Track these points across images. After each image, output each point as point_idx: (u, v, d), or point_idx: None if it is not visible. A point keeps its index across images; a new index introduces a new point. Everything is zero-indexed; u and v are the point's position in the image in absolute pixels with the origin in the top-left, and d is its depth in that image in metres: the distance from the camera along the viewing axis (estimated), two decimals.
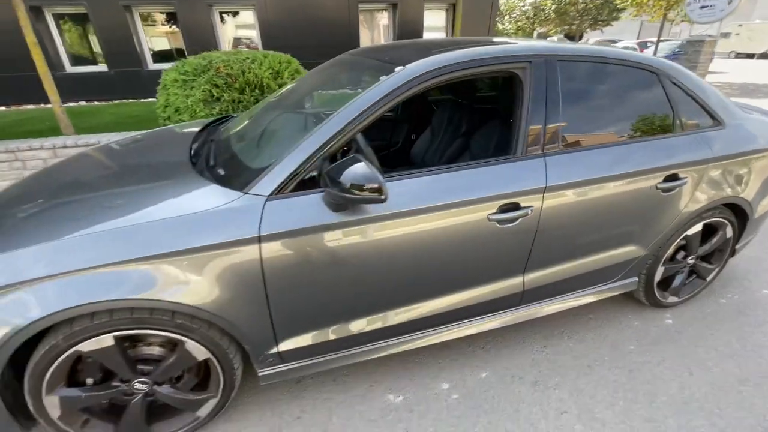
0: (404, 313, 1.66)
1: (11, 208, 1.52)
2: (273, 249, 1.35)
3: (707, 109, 2.02)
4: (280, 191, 1.37)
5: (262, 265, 1.35)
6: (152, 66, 9.51)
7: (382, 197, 1.28)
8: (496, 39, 1.92)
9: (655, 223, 1.96)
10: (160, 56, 9.68)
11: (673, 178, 1.89)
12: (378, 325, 1.63)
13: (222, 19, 9.74)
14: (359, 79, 1.83)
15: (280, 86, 4.16)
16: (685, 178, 1.91)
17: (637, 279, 2.15)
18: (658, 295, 2.24)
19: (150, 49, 9.60)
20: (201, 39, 9.19)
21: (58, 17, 8.88)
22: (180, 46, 9.54)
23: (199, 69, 3.93)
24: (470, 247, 1.61)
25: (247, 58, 4.13)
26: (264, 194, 1.36)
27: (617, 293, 2.14)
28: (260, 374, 1.56)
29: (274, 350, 1.52)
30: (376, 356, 1.71)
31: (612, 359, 1.98)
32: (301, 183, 1.39)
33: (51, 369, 1.28)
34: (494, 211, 1.58)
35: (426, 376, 1.88)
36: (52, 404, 1.34)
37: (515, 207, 1.61)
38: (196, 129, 2.27)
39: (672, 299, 2.30)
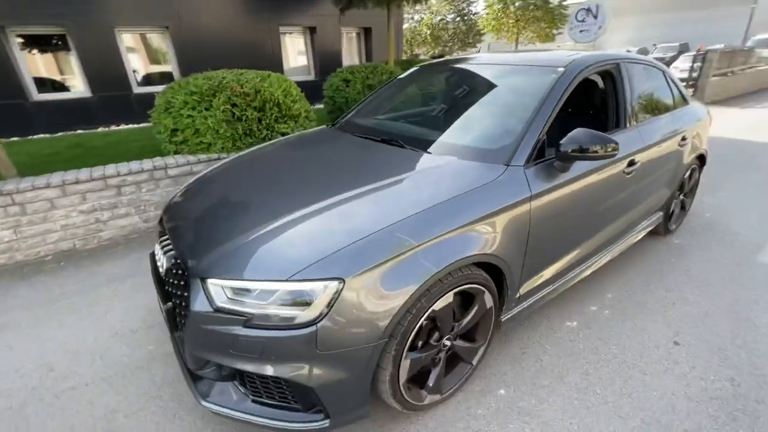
0: (590, 243, 2.20)
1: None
2: (536, 205, 1.74)
3: (683, 94, 3.06)
4: (527, 162, 1.76)
5: (530, 218, 1.73)
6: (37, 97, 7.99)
7: (618, 150, 1.80)
8: (562, 56, 2.55)
9: (678, 170, 2.88)
10: (47, 85, 8.19)
11: (684, 138, 2.82)
12: (576, 256, 2.13)
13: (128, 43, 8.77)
14: (513, 77, 2.30)
15: (294, 101, 4.24)
16: (687, 138, 2.87)
17: (662, 213, 3.05)
18: (671, 225, 3.20)
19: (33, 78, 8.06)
20: (106, 66, 8.14)
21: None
22: (69, 76, 8.23)
23: (210, 90, 3.79)
24: (614, 191, 2.23)
25: (255, 77, 4.12)
26: (521, 165, 1.74)
27: (653, 227, 2.99)
28: (502, 320, 1.88)
29: (517, 294, 1.87)
30: (569, 286, 2.18)
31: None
32: (536, 155, 1.81)
33: (412, 331, 1.43)
34: (625, 165, 2.23)
35: (584, 304, 2.40)
36: (404, 368, 1.47)
37: (633, 162, 2.29)
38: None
39: (673, 226, 3.29)
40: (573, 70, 2.06)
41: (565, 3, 18.22)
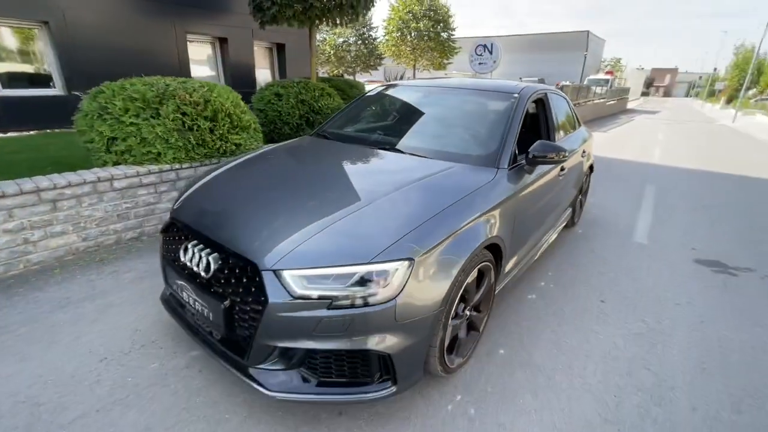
0: (542, 229, 2.83)
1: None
2: (517, 197, 2.23)
3: (577, 117, 4.02)
4: (509, 165, 2.26)
5: (517, 206, 2.21)
6: None
7: (567, 156, 2.40)
8: (514, 86, 3.23)
9: (581, 176, 3.77)
10: None
11: (584, 151, 3.74)
12: (534, 240, 2.71)
13: None
14: (475, 100, 2.81)
15: (243, 113, 4.20)
16: (585, 151, 3.80)
17: (571, 209, 3.92)
18: (575, 219, 4.12)
19: None
20: None
21: None
22: None
23: (156, 97, 3.56)
24: (553, 188, 2.89)
25: (201, 86, 3.98)
26: (506, 168, 2.22)
27: (567, 220, 3.83)
28: (496, 293, 2.31)
29: (505, 270, 2.33)
30: (526, 268, 2.73)
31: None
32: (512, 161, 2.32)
33: (455, 301, 1.74)
34: (559, 170, 2.92)
35: (535, 282, 3.00)
36: (447, 334, 1.77)
37: (563, 168, 3.00)
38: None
39: (577, 219, 4.24)
40: (524, 97, 2.66)
41: (453, 37, 20.77)
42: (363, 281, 1.48)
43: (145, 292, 2.66)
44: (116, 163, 3.42)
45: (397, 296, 1.50)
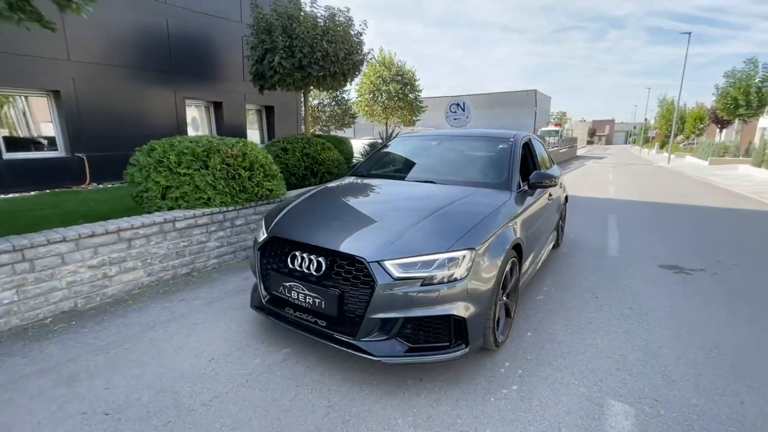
0: (539, 244, 3.49)
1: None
2: (526, 211, 2.95)
3: (551, 157, 4.97)
4: (517, 189, 3.00)
5: (526, 218, 2.92)
6: None
7: (556, 182, 3.18)
8: (507, 132, 4.12)
9: (560, 204, 4.62)
10: None
11: (561, 184, 4.62)
12: (536, 251, 3.38)
13: None
14: (482, 143, 3.62)
15: (271, 164, 4.83)
16: (561, 184, 4.69)
17: (556, 232, 4.70)
18: (559, 240, 4.91)
19: None
20: None
21: None
22: None
23: (204, 151, 4.15)
24: (545, 209, 3.65)
25: (237, 142, 4.61)
26: (515, 191, 2.96)
27: (554, 241, 4.60)
28: (520, 287, 2.93)
29: (523, 270, 2.97)
30: (531, 276, 3.39)
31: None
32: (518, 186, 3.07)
33: (501, 283, 2.35)
34: (548, 196, 3.72)
35: (540, 287, 3.65)
36: (497, 310, 2.35)
37: (551, 195, 3.80)
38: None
39: (560, 241, 5.03)
40: (517, 140, 3.50)
41: (420, 97, 22.96)
42: (442, 265, 2.08)
43: (219, 312, 3.06)
44: (170, 209, 3.89)
45: (466, 276, 2.10)
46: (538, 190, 3.33)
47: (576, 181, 13.12)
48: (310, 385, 2.19)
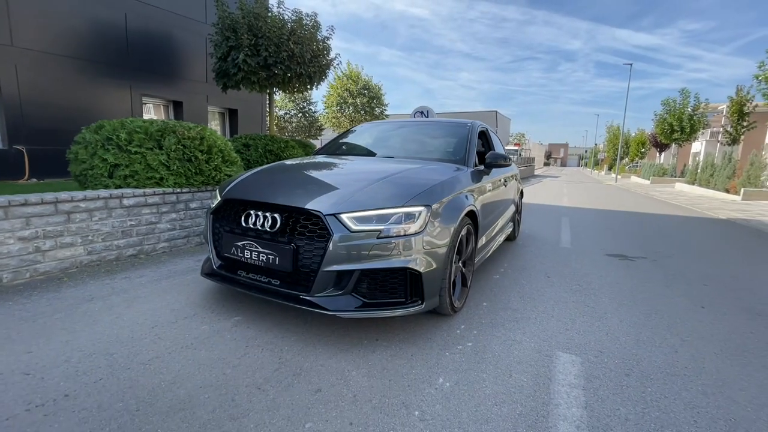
0: (494, 227, 3.59)
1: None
2: (482, 186, 3.05)
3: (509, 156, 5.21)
4: (473, 166, 3.11)
5: (481, 192, 3.01)
6: None
7: (510, 162, 3.32)
8: (465, 120, 4.30)
9: (516, 196, 4.81)
10: None
11: (518, 178, 4.83)
12: (490, 233, 3.48)
13: None
14: (442, 127, 3.73)
15: (231, 150, 4.70)
16: (517, 178, 4.91)
17: (513, 224, 4.89)
18: (516, 233, 5.10)
19: None
20: None
21: None
22: None
23: (158, 131, 3.98)
24: (500, 193, 3.79)
25: (195, 126, 4.47)
26: (471, 167, 3.07)
27: (510, 231, 4.77)
28: (475, 263, 2.99)
29: (479, 245, 3.05)
30: (486, 257, 3.48)
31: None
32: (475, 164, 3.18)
33: (456, 246, 2.40)
34: (503, 181, 3.87)
35: (497, 268, 3.74)
36: (452, 272, 2.39)
37: (506, 180, 3.96)
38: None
39: (516, 234, 5.23)
40: (475, 126, 3.65)
41: (386, 112, 23.42)
42: (399, 220, 2.09)
43: (167, 287, 2.88)
44: (118, 187, 3.67)
45: (422, 231, 2.12)
46: (494, 171, 3.47)
47: (534, 193, 13.77)
48: (261, 346, 2.10)
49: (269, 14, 8.10)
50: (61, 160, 5.44)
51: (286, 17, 8.29)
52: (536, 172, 38.73)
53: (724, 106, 22.36)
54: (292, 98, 25.54)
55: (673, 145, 27.95)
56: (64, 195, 3.01)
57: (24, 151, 7.94)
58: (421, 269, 2.11)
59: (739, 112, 19.00)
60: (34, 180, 8.03)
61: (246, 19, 7.80)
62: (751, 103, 18.90)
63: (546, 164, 79.13)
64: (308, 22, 8.51)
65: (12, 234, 2.76)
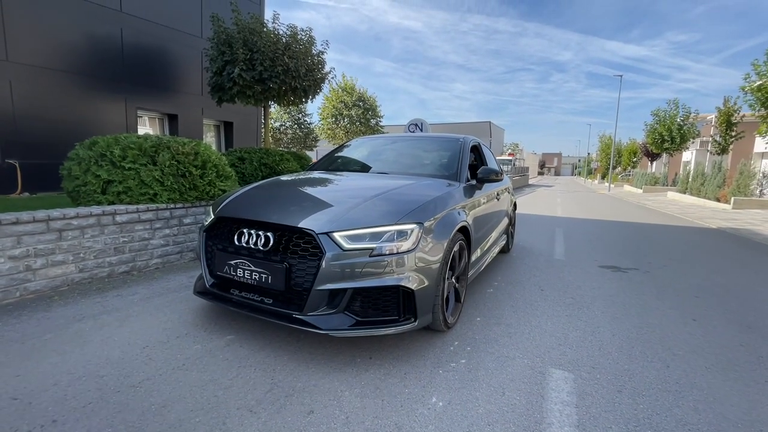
0: (488, 240, 3.61)
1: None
2: (474, 201, 3.08)
3: (501, 168, 5.27)
4: (465, 182, 3.14)
5: (474, 207, 3.04)
6: None
7: (502, 176, 3.36)
8: (457, 135, 4.37)
9: (509, 209, 4.85)
10: None
11: (511, 191, 4.88)
12: (483, 247, 3.50)
13: None
14: (434, 143, 3.77)
15: (226, 165, 4.71)
16: (510, 191, 4.95)
17: (506, 236, 4.92)
18: (510, 245, 5.13)
19: None
20: None
21: None
22: None
23: (153, 147, 4.00)
24: (493, 206, 3.83)
25: (189, 141, 4.49)
26: (464, 183, 3.10)
27: (504, 243, 4.80)
28: (469, 277, 3.01)
29: (471, 259, 3.06)
30: (480, 271, 3.50)
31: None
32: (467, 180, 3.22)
33: (449, 261, 2.41)
34: (496, 195, 3.91)
35: (491, 281, 3.75)
36: (446, 288, 2.39)
37: (498, 194, 4.00)
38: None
39: (510, 246, 5.26)
40: (467, 141, 3.70)
41: (381, 123, 23.62)
42: (391, 238, 2.11)
43: (159, 305, 2.86)
44: (111, 203, 3.66)
45: (414, 248, 2.13)
46: (486, 185, 3.51)
47: (528, 203, 13.87)
48: (253, 366, 2.08)
49: (264, 29, 8.20)
50: (55, 173, 5.40)
51: (281, 32, 8.40)
52: (530, 182, 39.05)
53: (713, 116, 22.80)
54: (288, 110, 25.68)
55: (664, 155, 28.35)
56: (56, 213, 3.00)
57: (17, 165, 7.91)
58: (414, 287, 2.12)
59: (728, 123, 19.36)
60: (27, 194, 7.97)
61: (241, 34, 7.89)
62: (738, 114, 19.28)
63: (540, 173, 79.86)
64: (303, 37, 8.62)
65: (2, 253, 2.74)
